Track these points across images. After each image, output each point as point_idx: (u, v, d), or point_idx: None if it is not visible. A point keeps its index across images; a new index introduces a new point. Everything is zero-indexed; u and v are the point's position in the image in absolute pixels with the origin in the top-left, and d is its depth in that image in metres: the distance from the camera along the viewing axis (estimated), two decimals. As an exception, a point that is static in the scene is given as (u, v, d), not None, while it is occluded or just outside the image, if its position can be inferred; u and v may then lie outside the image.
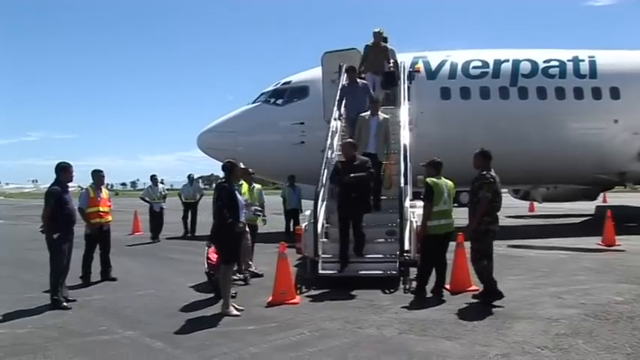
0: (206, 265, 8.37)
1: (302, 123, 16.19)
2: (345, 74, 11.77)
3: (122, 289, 8.87)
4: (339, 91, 11.82)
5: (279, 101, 17.11)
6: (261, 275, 9.45)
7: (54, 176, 7.80)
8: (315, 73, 15.87)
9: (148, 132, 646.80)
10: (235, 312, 6.97)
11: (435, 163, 8.09)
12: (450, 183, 8.07)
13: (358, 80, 11.55)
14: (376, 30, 12.92)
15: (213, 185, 10.33)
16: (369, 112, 10.37)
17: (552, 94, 16.78)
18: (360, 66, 12.80)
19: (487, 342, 5.61)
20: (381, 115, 10.35)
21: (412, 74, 14.70)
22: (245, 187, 9.45)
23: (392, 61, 13.20)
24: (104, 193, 9.73)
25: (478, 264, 7.42)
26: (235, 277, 8.18)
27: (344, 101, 11.57)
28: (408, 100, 12.77)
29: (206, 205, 10.48)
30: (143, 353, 5.52)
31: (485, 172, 7.45)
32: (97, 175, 9.69)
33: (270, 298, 7.58)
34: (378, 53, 12.89)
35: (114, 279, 9.54)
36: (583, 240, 13.94)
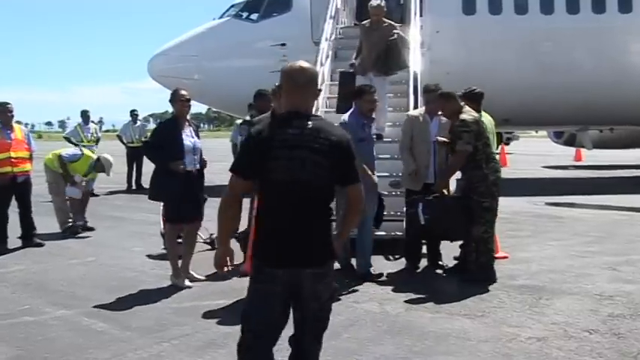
0: (162, 225, 8.41)
1: (283, 44, 15.96)
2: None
3: (50, 257, 8.86)
4: None
5: (254, 16, 16.85)
6: (92, 229, 10.62)
7: None
8: (301, -21, 15.61)
9: (83, 56, 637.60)
10: (188, 283, 7.05)
11: (475, 95, 7.82)
12: (492, 121, 7.99)
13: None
14: (374, 3, 10.14)
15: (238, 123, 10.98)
16: (421, 110, 8.09)
17: (614, 5, 16.41)
18: (355, 58, 10.58)
19: (518, 322, 5.70)
20: (443, 119, 7.81)
21: (427, -18, 14.44)
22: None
23: None
24: (17, 132, 9.37)
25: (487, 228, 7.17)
26: (200, 240, 8.27)
27: None
28: (420, 15, 12.60)
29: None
30: (81, 337, 5.50)
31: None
32: (3, 110, 9.21)
33: (244, 266, 7.61)
34: (378, 40, 10.06)
35: (39, 244, 9.45)
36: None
